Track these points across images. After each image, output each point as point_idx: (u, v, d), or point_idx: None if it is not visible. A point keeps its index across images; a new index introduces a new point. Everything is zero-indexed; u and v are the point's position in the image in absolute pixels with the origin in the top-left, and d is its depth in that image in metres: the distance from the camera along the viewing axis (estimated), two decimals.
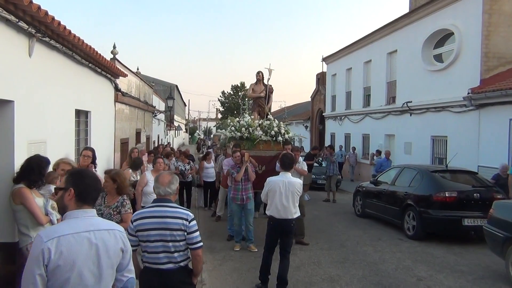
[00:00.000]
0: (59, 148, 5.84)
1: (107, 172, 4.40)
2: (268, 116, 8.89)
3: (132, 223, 3.10)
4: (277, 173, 6.04)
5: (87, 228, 2.12)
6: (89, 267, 2.07)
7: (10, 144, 4.36)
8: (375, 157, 15.10)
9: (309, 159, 12.76)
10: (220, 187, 9.33)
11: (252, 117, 8.80)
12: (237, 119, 8.73)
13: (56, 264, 1.99)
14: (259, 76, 9.14)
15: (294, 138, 8.80)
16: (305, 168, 7.88)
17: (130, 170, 7.32)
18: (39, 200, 3.99)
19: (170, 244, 3.01)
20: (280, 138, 8.08)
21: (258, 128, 8.16)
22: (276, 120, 8.73)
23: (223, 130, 8.90)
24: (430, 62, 13.75)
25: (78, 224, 2.12)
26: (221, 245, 7.53)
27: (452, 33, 12.62)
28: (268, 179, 5.61)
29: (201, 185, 11.13)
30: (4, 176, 4.29)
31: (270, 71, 9.21)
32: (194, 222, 3.10)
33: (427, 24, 13.77)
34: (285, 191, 5.30)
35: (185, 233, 3.03)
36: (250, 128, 8.14)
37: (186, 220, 3.04)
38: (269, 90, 9.11)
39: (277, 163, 7.47)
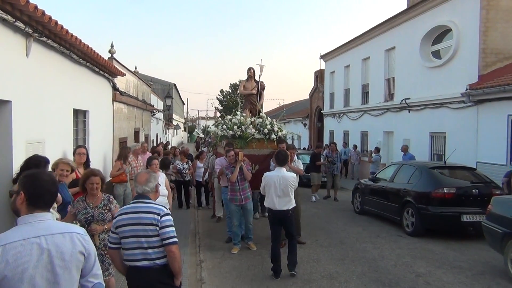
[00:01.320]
0: (58, 148, 5.85)
1: (96, 174, 4.19)
2: (260, 114, 8.60)
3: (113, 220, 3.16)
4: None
5: (37, 233, 1.97)
6: (42, 274, 1.94)
7: (8, 144, 4.37)
8: (373, 155, 15.09)
9: (317, 159, 12.70)
10: (215, 187, 9.16)
11: (244, 114, 8.46)
12: (229, 117, 8.38)
13: (2, 274, 1.86)
14: (250, 72, 8.84)
15: (287, 136, 8.60)
16: (301, 167, 7.73)
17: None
18: None
19: (143, 239, 3.01)
20: (273, 136, 7.87)
21: (251, 126, 7.91)
22: (268, 117, 8.47)
23: (215, 128, 8.64)
24: (428, 59, 13.74)
25: (27, 229, 1.97)
26: (221, 244, 7.53)
27: (450, 30, 12.62)
28: (264, 174, 6.11)
29: (194, 185, 11.13)
30: (3, 176, 4.30)
31: (261, 67, 8.89)
32: (168, 217, 3.08)
33: (425, 20, 13.76)
34: (280, 185, 5.77)
35: (157, 228, 3.01)
36: (242, 126, 7.88)
37: (158, 214, 3.03)
38: (260, 87, 8.82)
39: (271, 162, 7.38)
